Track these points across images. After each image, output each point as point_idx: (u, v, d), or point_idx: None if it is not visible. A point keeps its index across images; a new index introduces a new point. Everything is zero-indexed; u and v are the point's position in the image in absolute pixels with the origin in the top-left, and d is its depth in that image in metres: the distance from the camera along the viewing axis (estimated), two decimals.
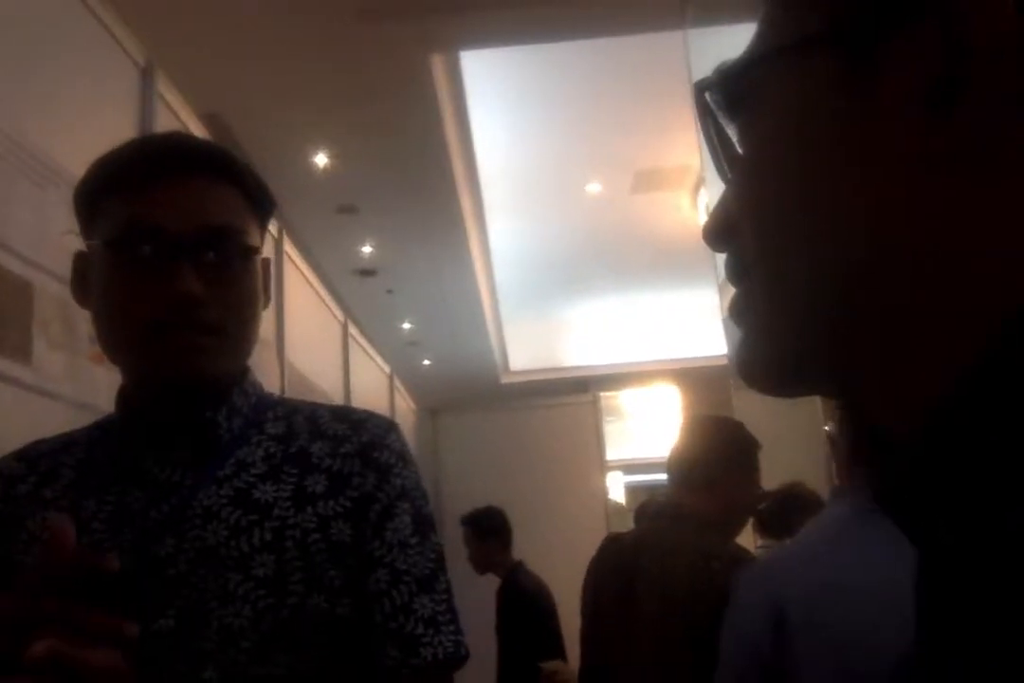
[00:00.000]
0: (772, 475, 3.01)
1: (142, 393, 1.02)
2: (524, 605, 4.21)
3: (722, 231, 0.48)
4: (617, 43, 5.08)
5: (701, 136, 0.50)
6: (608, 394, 9.15)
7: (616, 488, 9.36)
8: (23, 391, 1.54)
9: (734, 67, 0.46)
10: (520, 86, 5.70)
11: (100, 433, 1.07)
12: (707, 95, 0.48)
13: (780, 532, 4.71)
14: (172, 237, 0.95)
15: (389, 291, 7.91)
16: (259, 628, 0.92)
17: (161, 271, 0.95)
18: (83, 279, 1.03)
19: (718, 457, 2.10)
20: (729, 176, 0.49)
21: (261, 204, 1.05)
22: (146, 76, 2.25)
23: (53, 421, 1.14)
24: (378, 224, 6.67)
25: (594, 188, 7.08)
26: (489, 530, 4.52)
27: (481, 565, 4.54)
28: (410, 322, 8.71)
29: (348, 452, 1.01)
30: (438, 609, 0.99)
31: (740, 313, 0.47)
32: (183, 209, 0.97)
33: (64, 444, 1.07)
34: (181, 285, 0.94)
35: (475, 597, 4.67)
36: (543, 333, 9.85)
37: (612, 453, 9.07)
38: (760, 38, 0.46)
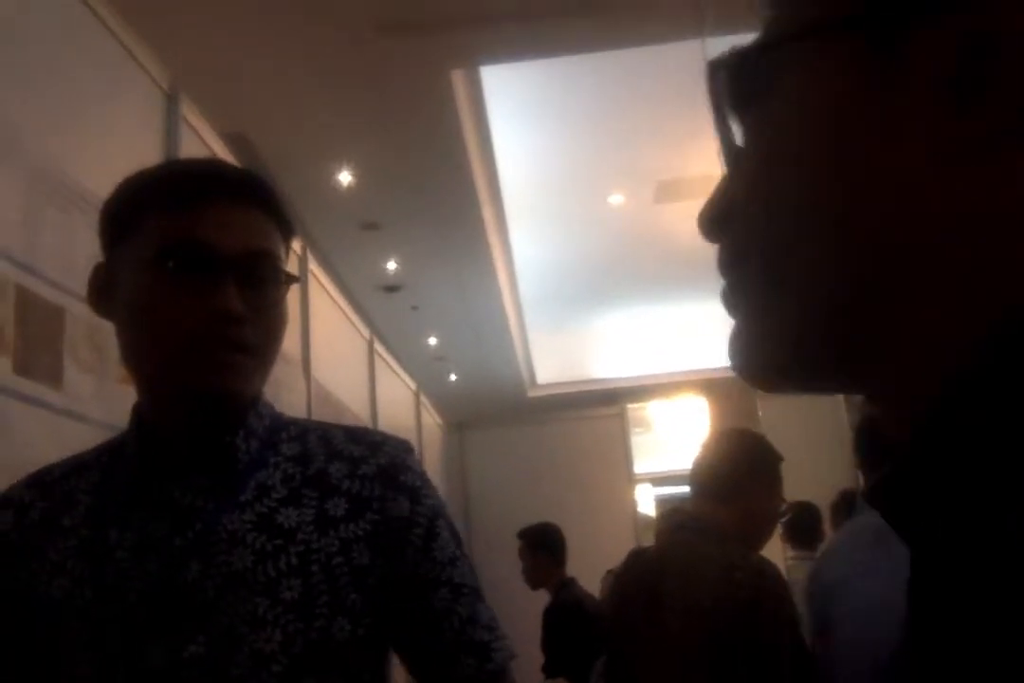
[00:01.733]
0: (799, 484, 3.00)
1: (161, 409, 1.03)
2: (566, 622, 4.22)
3: (721, 219, 0.46)
4: (636, 53, 5.09)
5: (713, 118, 0.48)
6: (635, 406, 9.12)
7: (645, 501, 9.31)
8: (54, 415, 1.57)
9: (751, 50, 0.45)
10: (540, 99, 5.72)
11: (112, 455, 1.07)
12: (721, 75, 0.46)
13: (808, 543, 4.70)
14: (221, 256, 0.98)
15: (414, 307, 7.94)
16: (289, 651, 0.93)
17: (205, 287, 0.97)
18: (106, 290, 1.04)
19: (740, 469, 2.10)
20: (738, 161, 0.47)
21: (289, 233, 1.08)
22: (170, 99, 2.28)
23: (83, 444, 1.15)
24: (402, 240, 6.71)
25: (616, 199, 7.08)
26: (540, 544, 4.54)
27: (533, 579, 4.56)
28: (435, 337, 8.73)
29: (366, 474, 1.03)
30: (491, 615, 1.06)
31: (733, 306, 0.47)
32: (233, 231, 0.99)
33: (75, 468, 1.08)
34: (224, 301, 0.96)
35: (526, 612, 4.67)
36: (569, 345, 9.85)
37: (640, 466, 9.01)
38: (775, 23, 0.44)
